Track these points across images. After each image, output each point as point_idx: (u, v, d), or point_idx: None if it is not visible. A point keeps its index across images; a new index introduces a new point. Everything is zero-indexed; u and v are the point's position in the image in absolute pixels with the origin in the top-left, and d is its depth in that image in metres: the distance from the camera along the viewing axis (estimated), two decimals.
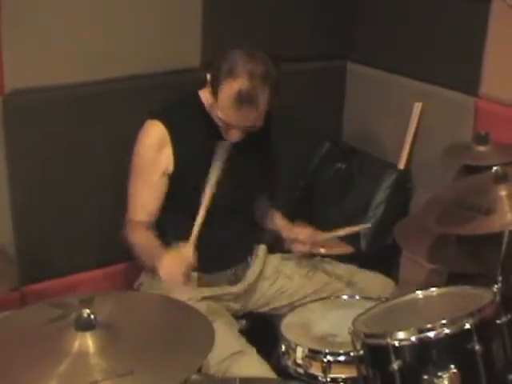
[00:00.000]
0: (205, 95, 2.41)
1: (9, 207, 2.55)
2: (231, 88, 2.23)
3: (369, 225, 2.75)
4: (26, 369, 1.43)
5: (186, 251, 2.15)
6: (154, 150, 2.36)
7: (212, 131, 2.39)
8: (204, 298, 2.42)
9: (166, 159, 2.36)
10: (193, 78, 2.48)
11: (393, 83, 3.10)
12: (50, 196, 2.62)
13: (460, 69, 2.80)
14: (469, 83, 2.75)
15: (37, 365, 1.43)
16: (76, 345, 1.46)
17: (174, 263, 2.15)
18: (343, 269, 2.63)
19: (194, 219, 2.39)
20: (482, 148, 2.51)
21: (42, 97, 2.53)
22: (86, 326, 1.47)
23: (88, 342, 1.46)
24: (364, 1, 3.21)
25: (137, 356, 1.45)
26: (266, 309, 2.59)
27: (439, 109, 2.92)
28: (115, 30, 2.61)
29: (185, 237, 2.42)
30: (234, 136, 2.34)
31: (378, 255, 3.07)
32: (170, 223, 2.43)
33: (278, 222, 2.70)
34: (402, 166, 3.05)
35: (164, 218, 2.43)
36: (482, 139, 2.52)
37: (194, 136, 2.39)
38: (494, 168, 2.08)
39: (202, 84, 2.37)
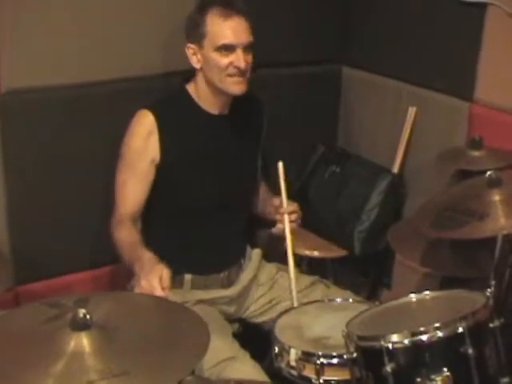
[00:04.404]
0: (192, 88, 2.44)
1: (4, 207, 2.55)
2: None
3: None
4: (22, 369, 1.43)
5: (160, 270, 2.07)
6: (143, 138, 2.36)
7: (201, 124, 2.42)
8: (198, 302, 2.43)
9: (153, 148, 2.36)
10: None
11: (387, 88, 3.12)
12: (46, 196, 2.62)
13: (455, 74, 2.81)
14: (463, 88, 2.76)
15: (32, 365, 1.43)
16: (71, 345, 1.46)
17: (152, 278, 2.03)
18: (340, 294, 2.54)
19: (180, 213, 2.40)
20: (476, 153, 2.52)
21: (39, 97, 2.53)
22: (81, 325, 1.47)
23: (84, 341, 1.46)
24: (359, 5, 3.22)
25: (132, 356, 1.46)
26: (258, 320, 2.59)
27: (434, 113, 2.93)
28: (113, 31, 2.61)
29: (170, 231, 2.45)
30: (236, 87, 2.34)
31: (371, 259, 3.08)
32: (156, 219, 2.45)
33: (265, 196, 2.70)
34: (395, 170, 3.06)
35: (150, 213, 2.43)
36: (476, 144, 2.53)
37: (182, 128, 2.40)
38: (488, 173, 2.10)
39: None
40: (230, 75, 2.32)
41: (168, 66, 2.73)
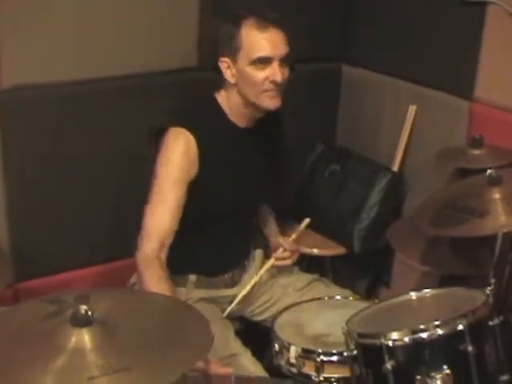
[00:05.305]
0: (222, 99, 2.35)
1: (4, 204, 2.55)
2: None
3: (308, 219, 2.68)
4: (22, 365, 1.42)
5: None
6: (186, 158, 2.25)
7: (225, 134, 2.35)
8: (200, 300, 2.42)
9: (194, 165, 2.27)
10: (189, 78, 2.48)
11: (388, 86, 3.12)
12: (46, 193, 2.62)
13: (455, 72, 2.82)
14: (463, 87, 2.77)
15: (33, 361, 1.43)
16: (72, 341, 1.46)
17: None
18: (339, 293, 2.51)
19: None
20: (476, 151, 2.53)
21: (40, 94, 2.53)
22: (82, 322, 1.47)
23: (85, 338, 1.46)
24: (360, 3, 3.22)
25: (134, 352, 1.45)
26: (258, 318, 2.58)
27: (434, 112, 2.93)
28: (113, 29, 2.61)
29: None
30: (271, 102, 2.28)
31: (370, 257, 3.09)
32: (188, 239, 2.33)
33: (272, 227, 2.70)
34: (395, 168, 3.06)
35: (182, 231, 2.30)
36: (476, 142, 2.53)
37: (212, 140, 2.30)
38: (488, 171, 2.10)
39: (201, 83, 2.39)
40: (266, 90, 2.25)
41: (168, 63, 2.73)
